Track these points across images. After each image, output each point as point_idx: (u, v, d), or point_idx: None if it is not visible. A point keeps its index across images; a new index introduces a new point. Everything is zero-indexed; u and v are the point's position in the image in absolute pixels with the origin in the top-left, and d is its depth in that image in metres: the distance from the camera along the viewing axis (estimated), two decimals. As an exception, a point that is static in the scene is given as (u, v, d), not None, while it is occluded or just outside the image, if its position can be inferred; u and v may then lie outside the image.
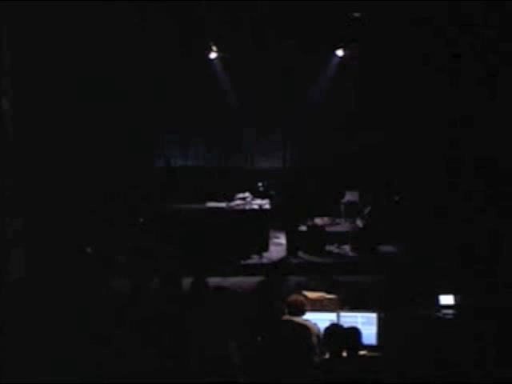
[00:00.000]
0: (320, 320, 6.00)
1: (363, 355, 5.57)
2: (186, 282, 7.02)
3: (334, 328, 5.37)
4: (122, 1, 11.06)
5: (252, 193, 12.41)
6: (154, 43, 12.69)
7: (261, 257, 11.34)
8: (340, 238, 11.91)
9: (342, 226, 12.57)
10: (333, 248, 11.81)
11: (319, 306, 6.52)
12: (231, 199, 12.20)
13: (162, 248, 10.83)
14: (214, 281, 7.37)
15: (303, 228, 11.84)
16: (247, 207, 11.96)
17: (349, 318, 6.09)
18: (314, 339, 5.61)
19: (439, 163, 12.19)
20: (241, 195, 12.30)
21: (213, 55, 13.27)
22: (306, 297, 6.54)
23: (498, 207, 10.28)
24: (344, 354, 5.33)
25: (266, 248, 11.58)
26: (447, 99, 11.71)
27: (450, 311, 6.94)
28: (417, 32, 11.45)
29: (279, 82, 13.83)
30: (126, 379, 5.19)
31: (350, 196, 12.92)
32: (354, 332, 5.30)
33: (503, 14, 10.15)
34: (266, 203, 12.05)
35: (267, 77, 13.71)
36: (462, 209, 10.83)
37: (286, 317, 5.99)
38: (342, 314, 6.18)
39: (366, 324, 5.82)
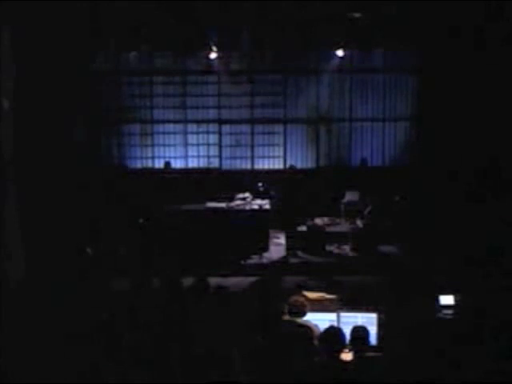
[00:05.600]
0: (320, 320, 6.00)
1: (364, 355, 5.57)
2: (186, 282, 7.03)
3: (333, 330, 5.38)
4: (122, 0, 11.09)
5: (252, 193, 12.44)
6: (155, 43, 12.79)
7: (261, 257, 11.35)
8: (340, 238, 11.91)
9: (342, 226, 12.57)
10: (333, 248, 11.81)
11: (319, 306, 6.51)
12: (231, 199, 12.21)
13: (162, 248, 10.83)
14: (214, 281, 7.37)
15: (303, 228, 11.84)
16: (247, 207, 11.97)
17: (349, 318, 6.08)
18: (315, 340, 5.61)
19: (440, 164, 12.22)
20: (241, 195, 12.31)
21: (213, 55, 13.28)
22: (305, 297, 6.54)
23: (499, 207, 10.28)
24: (348, 354, 5.36)
25: (266, 248, 11.59)
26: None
27: (449, 311, 6.93)
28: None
29: (279, 81, 13.93)
30: (126, 379, 5.19)
31: (349, 196, 12.92)
32: (362, 330, 5.34)
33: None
34: (265, 203, 12.06)
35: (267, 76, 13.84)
36: (463, 209, 10.84)
37: (287, 317, 5.99)
38: (342, 314, 6.18)
39: (366, 324, 5.80)
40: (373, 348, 5.64)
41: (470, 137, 11.31)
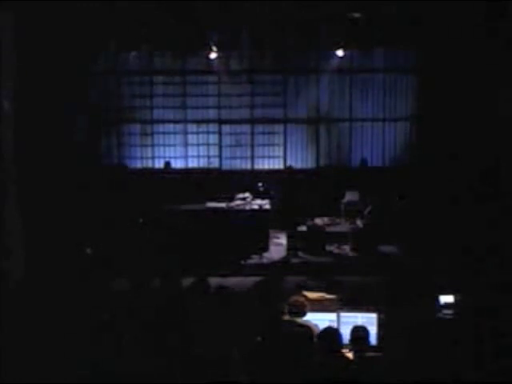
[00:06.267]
0: (320, 320, 6.00)
1: (364, 355, 5.57)
2: (186, 282, 7.02)
3: (330, 330, 5.38)
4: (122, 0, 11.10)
5: (252, 193, 12.44)
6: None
7: (261, 257, 11.35)
8: (340, 238, 11.91)
9: (342, 226, 12.57)
10: (333, 248, 11.81)
11: (319, 306, 6.51)
12: (231, 199, 12.21)
13: (162, 248, 10.83)
14: (214, 281, 7.37)
15: (303, 228, 11.84)
16: (247, 207, 11.97)
17: (349, 318, 6.08)
18: (316, 340, 5.61)
19: (440, 163, 12.22)
20: (241, 195, 12.31)
21: (213, 55, 13.28)
22: (306, 297, 6.54)
23: (498, 207, 10.28)
24: (348, 354, 5.36)
25: (266, 248, 11.59)
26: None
27: (449, 311, 6.93)
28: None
29: (279, 81, 13.95)
30: (126, 379, 5.19)
31: (349, 196, 12.92)
32: (362, 330, 5.35)
33: None
34: (266, 203, 12.06)
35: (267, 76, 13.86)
36: (462, 208, 10.84)
37: (287, 317, 6.00)
38: (342, 314, 6.18)
39: (366, 324, 5.81)
40: (373, 348, 5.65)
41: (470, 137, 11.31)
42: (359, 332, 5.42)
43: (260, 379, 5.29)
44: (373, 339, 5.95)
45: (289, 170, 13.17)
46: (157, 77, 14.02)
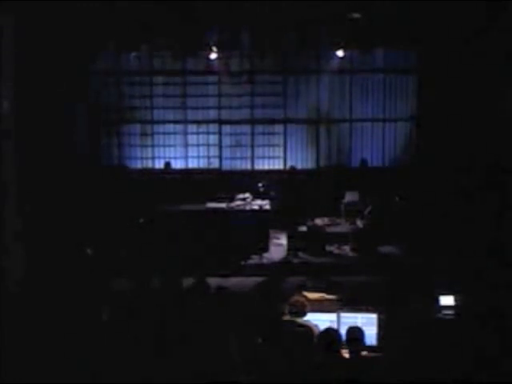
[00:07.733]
0: (320, 320, 6.00)
1: (364, 355, 5.58)
2: (186, 282, 7.03)
3: (330, 331, 5.39)
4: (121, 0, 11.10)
5: (252, 193, 12.44)
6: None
7: (261, 257, 11.35)
8: (340, 239, 11.91)
9: (342, 227, 12.57)
10: (333, 248, 11.81)
11: (319, 307, 6.51)
12: (231, 200, 12.21)
13: (163, 248, 10.83)
14: (214, 281, 7.37)
15: (303, 228, 11.84)
16: (247, 207, 11.97)
17: (349, 319, 6.08)
18: (316, 340, 5.62)
19: (440, 164, 12.22)
20: (241, 196, 12.32)
21: (213, 55, 13.28)
22: (306, 297, 6.54)
23: (498, 207, 10.28)
24: (345, 353, 5.36)
25: (266, 248, 11.59)
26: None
27: (450, 311, 6.93)
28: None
29: (279, 81, 13.94)
30: (126, 379, 5.19)
31: (350, 196, 12.91)
32: (357, 331, 5.35)
33: None
34: (266, 204, 12.07)
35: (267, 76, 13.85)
36: (463, 209, 10.84)
37: (287, 317, 6.00)
38: (342, 314, 6.18)
39: (367, 324, 5.82)
40: (368, 348, 5.65)
41: (470, 137, 11.31)
42: (354, 333, 5.41)
43: (260, 379, 5.29)
44: (373, 339, 5.95)
45: (292, 171, 13.15)
46: (157, 77, 14.02)
